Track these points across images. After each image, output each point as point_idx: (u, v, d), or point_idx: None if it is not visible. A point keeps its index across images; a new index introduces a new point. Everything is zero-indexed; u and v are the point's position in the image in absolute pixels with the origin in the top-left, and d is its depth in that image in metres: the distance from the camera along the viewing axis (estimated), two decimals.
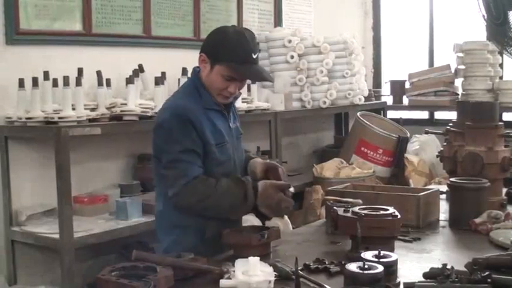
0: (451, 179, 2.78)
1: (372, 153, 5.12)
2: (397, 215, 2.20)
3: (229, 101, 2.49)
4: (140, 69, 3.91)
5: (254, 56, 2.37)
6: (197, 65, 2.47)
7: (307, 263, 2.06)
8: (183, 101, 2.39)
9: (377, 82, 6.88)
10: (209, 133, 2.35)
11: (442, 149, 3.11)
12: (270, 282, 1.82)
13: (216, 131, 2.39)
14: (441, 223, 2.73)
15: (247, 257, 1.87)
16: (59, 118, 3.29)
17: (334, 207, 2.37)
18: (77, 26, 3.87)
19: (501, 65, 5.94)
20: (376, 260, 1.85)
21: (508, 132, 2.94)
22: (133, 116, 3.56)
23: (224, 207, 2.31)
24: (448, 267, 1.80)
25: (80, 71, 3.59)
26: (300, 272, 1.89)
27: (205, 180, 2.30)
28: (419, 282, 1.78)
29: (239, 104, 4.11)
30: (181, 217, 2.36)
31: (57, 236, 3.24)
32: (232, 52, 2.33)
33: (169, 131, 2.32)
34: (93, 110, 3.54)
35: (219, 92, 2.40)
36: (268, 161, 2.69)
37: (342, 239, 2.38)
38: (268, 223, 2.51)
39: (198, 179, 2.29)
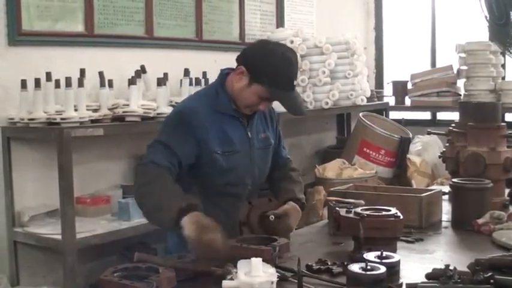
0: (453, 180, 2.78)
1: (374, 153, 5.12)
2: (399, 216, 2.20)
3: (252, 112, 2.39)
4: (142, 70, 3.91)
5: (295, 83, 2.30)
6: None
7: (309, 263, 2.06)
8: (194, 103, 2.33)
9: (379, 83, 6.87)
10: (214, 140, 2.26)
11: (444, 149, 3.11)
12: (272, 283, 1.81)
13: (225, 138, 2.30)
14: (443, 224, 2.73)
15: None
16: (61, 119, 3.29)
17: (337, 208, 2.37)
18: (79, 27, 3.87)
19: (503, 66, 5.94)
20: (379, 260, 1.85)
21: (511, 133, 2.93)
22: (136, 116, 3.57)
23: (153, 202, 2.10)
24: (451, 268, 1.80)
25: (82, 72, 3.59)
26: (305, 271, 1.89)
27: (159, 169, 2.14)
28: (421, 283, 1.78)
29: None
30: None
31: (59, 236, 3.24)
32: (277, 78, 2.24)
33: (165, 126, 2.32)
34: (95, 111, 3.54)
35: (247, 106, 2.33)
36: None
37: (344, 240, 2.38)
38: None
39: (154, 164, 2.15)
